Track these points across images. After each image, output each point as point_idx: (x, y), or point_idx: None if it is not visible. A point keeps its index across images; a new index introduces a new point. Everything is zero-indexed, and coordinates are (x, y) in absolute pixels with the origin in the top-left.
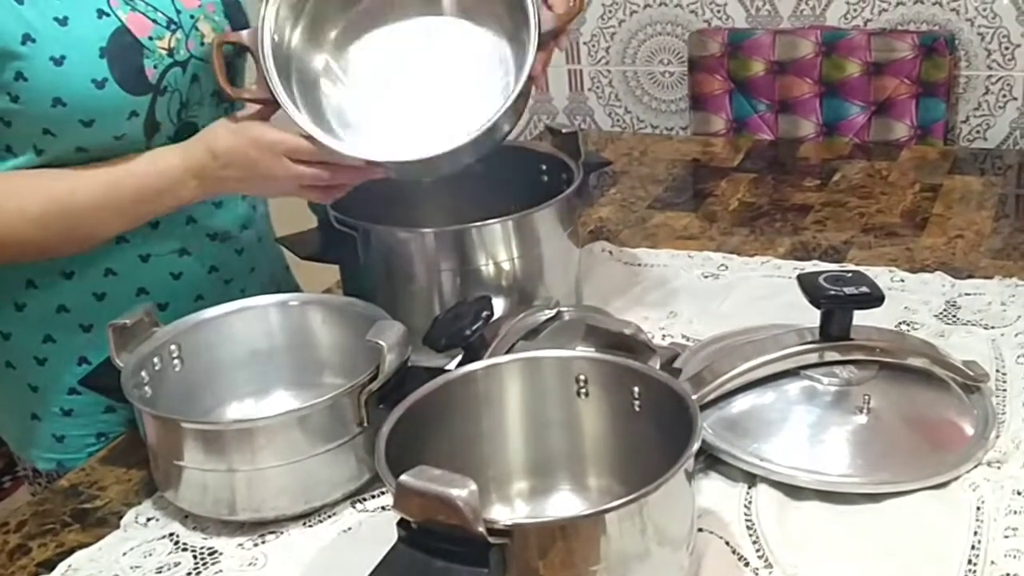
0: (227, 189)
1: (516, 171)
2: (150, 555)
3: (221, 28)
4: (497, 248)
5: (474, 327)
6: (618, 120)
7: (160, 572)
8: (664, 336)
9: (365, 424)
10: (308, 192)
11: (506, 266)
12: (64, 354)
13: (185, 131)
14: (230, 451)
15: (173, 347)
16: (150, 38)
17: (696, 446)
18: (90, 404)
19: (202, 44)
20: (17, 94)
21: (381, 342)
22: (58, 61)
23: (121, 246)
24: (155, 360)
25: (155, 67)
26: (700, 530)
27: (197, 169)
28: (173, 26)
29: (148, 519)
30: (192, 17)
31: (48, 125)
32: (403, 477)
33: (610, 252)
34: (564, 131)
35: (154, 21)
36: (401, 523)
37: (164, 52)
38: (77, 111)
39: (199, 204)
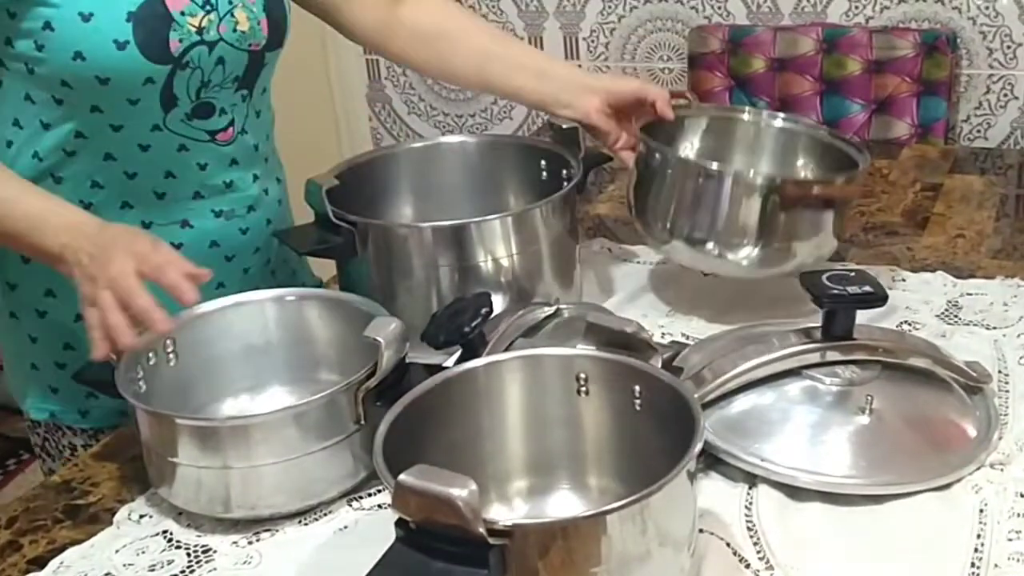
0: (82, 259)
1: (516, 167)
2: (143, 552)
3: (257, 20)
4: (496, 244)
5: (473, 324)
6: None
7: (153, 570)
8: (664, 334)
9: (362, 421)
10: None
11: (505, 262)
12: (63, 309)
13: (202, 110)
14: (225, 448)
15: (168, 342)
16: (182, 13)
17: (699, 446)
18: (82, 359)
19: (235, 30)
20: (43, 43)
21: (379, 338)
22: (86, 17)
23: (125, 211)
24: (149, 355)
25: (180, 40)
26: (701, 531)
27: (73, 225)
28: (208, 7)
29: (141, 516)
30: (230, 2)
31: (66, 77)
32: (402, 476)
33: (609, 249)
34: (565, 127)
35: None
36: (399, 523)
37: (193, 29)
38: (95, 67)
39: (209, 181)
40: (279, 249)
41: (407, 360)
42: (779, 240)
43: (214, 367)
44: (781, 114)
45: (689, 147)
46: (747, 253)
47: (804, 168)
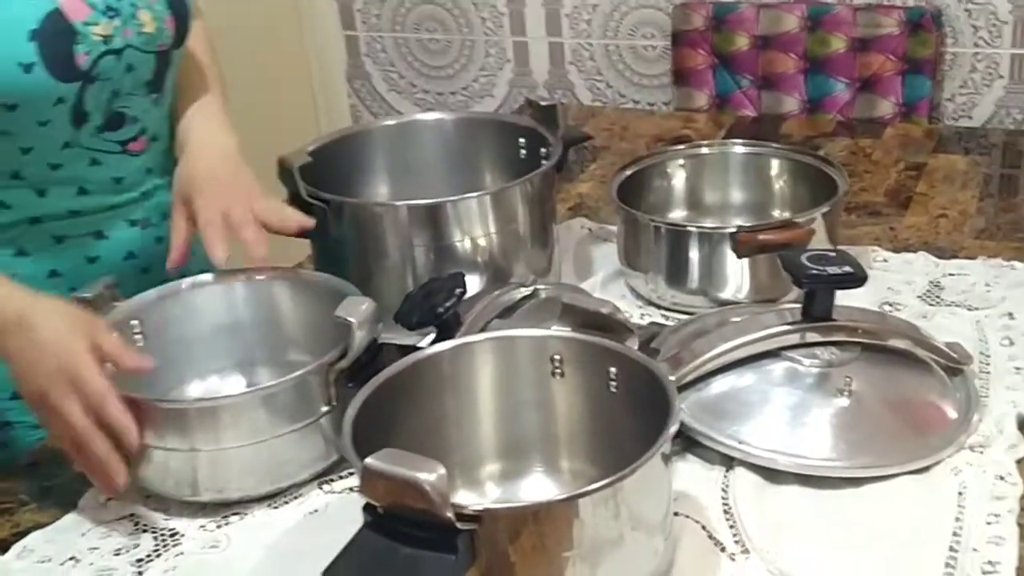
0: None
1: (494, 145)
2: (108, 536)
3: (161, 18)
4: (473, 223)
5: (447, 304)
6: (600, 95)
7: (119, 554)
8: (643, 315)
9: (333, 403)
10: (68, 421)
11: (482, 242)
12: None
13: (113, 121)
14: (193, 430)
15: (135, 322)
16: (85, 23)
17: (674, 429)
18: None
19: (140, 33)
20: None
21: (350, 319)
22: None
23: (35, 226)
24: (115, 336)
25: (87, 53)
26: (676, 514)
27: None
28: (111, 13)
29: (107, 499)
30: (132, 5)
31: None
32: (369, 460)
33: (589, 229)
34: (543, 104)
35: (92, 6)
36: (367, 507)
37: (99, 39)
38: (1, 94)
39: (121, 191)
40: (202, 260)
41: (379, 341)
42: (766, 277)
43: (182, 348)
44: (753, 142)
45: (665, 189)
46: (734, 294)
47: (782, 193)
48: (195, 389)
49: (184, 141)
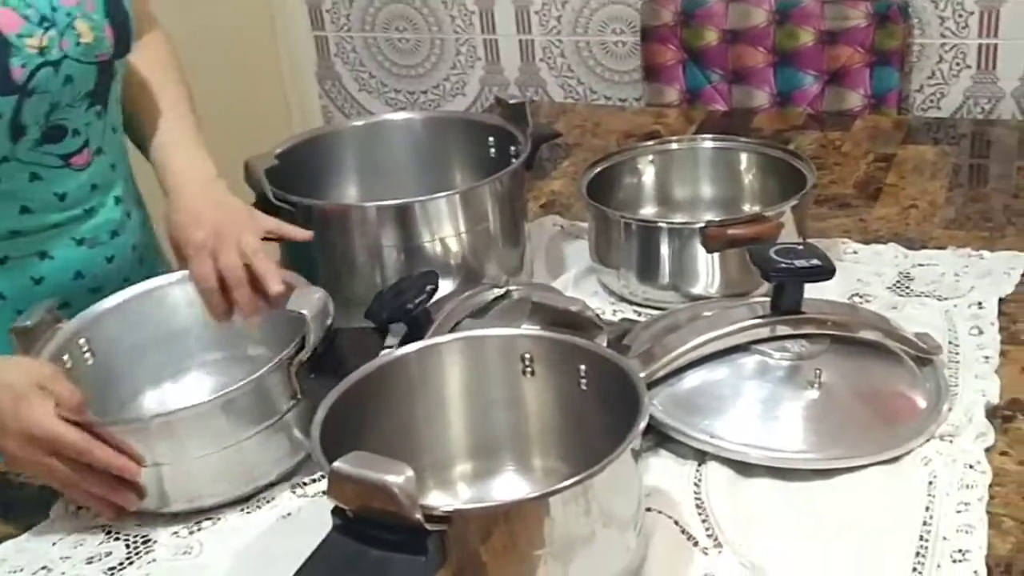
0: None
1: (463, 144)
2: (80, 545)
3: (100, 27)
4: (443, 223)
5: (417, 301)
6: (571, 91)
7: (91, 562)
8: (615, 311)
9: (298, 396)
10: (53, 474)
11: (452, 242)
12: None
13: (52, 134)
14: (153, 445)
15: (82, 341)
16: (19, 35)
17: (642, 425)
18: None
19: (78, 44)
20: None
21: (303, 311)
22: None
23: None
24: (65, 358)
25: (23, 66)
26: (648, 510)
27: None
28: (46, 23)
29: (78, 508)
30: (69, 15)
31: None
32: (337, 463)
33: (561, 226)
34: (512, 102)
35: (25, 18)
36: (336, 511)
37: (34, 51)
38: None
39: (68, 210)
40: (151, 268)
41: (335, 327)
42: (736, 272)
43: (134, 359)
44: (722, 137)
45: (635, 185)
46: (705, 289)
47: (751, 187)
48: (151, 399)
49: (162, 179)
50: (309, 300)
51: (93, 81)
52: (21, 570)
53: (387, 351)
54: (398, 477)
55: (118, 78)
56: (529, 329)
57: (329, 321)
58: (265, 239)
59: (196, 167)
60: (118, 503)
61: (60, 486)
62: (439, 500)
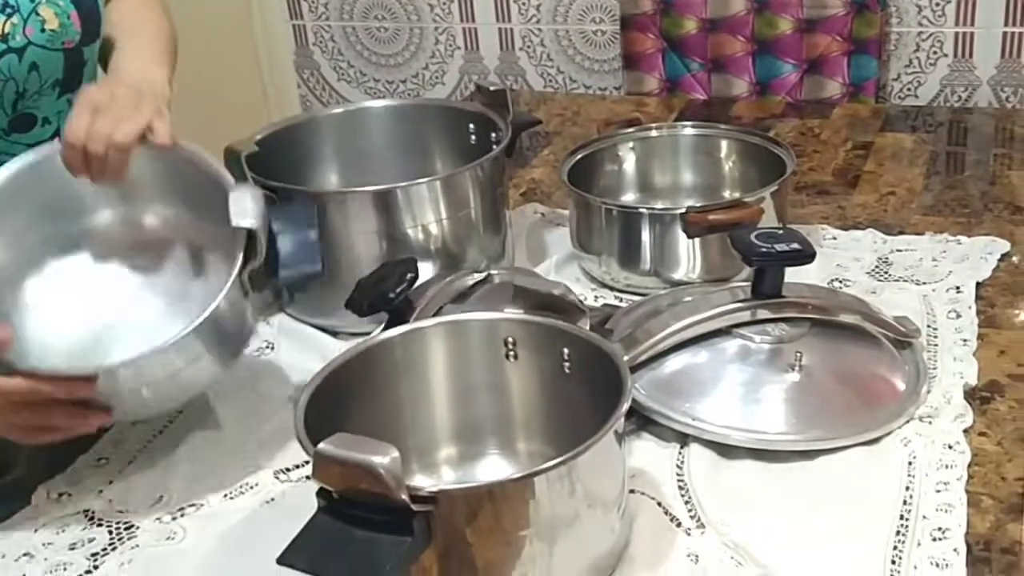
0: None
1: (444, 131)
2: (63, 531)
3: (66, 13)
4: (424, 209)
5: (398, 289)
6: (551, 80)
7: (73, 548)
8: (596, 298)
9: (248, 292)
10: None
11: (434, 228)
12: None
13: (21, 123)
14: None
15: None
16: None
17: (626, 406)
18: None
19: (43, 31)
20: None
21: (251, 224)
22: None
23: None
24: None
25: None
26: (632, 491)
27: None
28: (9, 9)
29: (60, 494)
30: (33, 1)
31: None
32: (321, 445)
33: (542, 214)
34: (493, 89)
35: None
36: (321, 492)
37: None
38: None
39: None
40: None
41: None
42: (717, 257)
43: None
44: (702, 124)
45: (616, 172)
46: (686, 275)
47: (731, 174)
48: (35, 286)
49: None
50: (249, 208)
51: (61, 68)
52: (3, 556)
53: (370, 336)
54: (383, 458)
55: (91, 64)
56: (512, 313)
57: (268, 222)
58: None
59: (140, 70)
60: (90, 428)
61: (23, 437)
62: (424, 483)
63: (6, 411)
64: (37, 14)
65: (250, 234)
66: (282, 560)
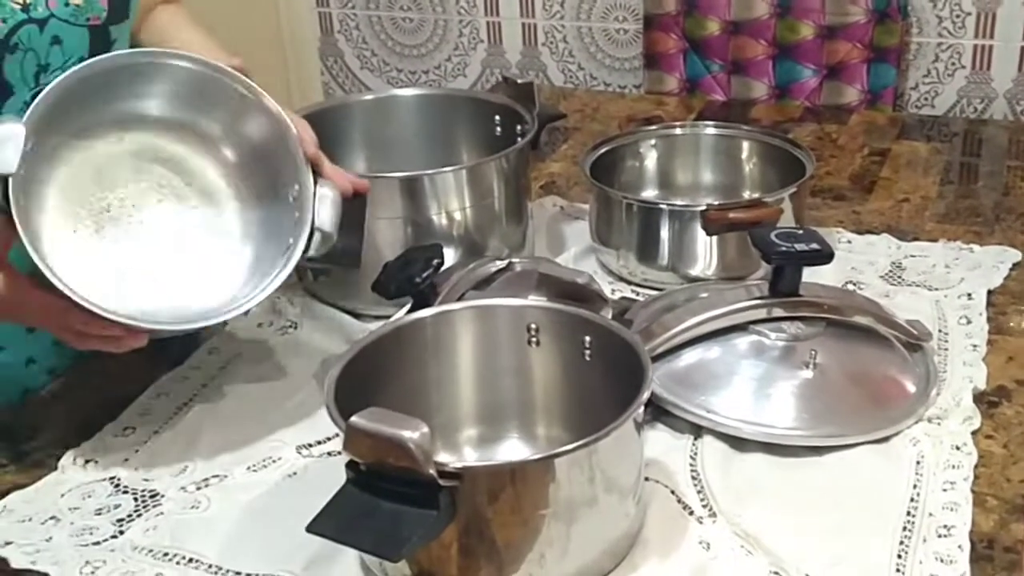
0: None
1: (470, 121)
2: (89, 497)
3: None
4: (449, 197)
5: (424, 274)
6: (571, 76)
7: (99, 513)
8: (613, 291)
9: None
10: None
11: (457, 216)
12: None
13: None
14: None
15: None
16: None
17: (647, 394)
18: None
19: (67, 4)
20: None
21: (330, 230)
22: None
23: None
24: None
25: (3, 21)
26: (646, 479)
27: None
28: None
29: (87, 461)
30: None
31: None
32: (353, 418)
33: (561, 207)
34: (520, 81)
35: None
36: (350, 465)
37: (17, 6)
38: None
39: None
40: None
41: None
42: (734, 255)
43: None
44: (724, 124)
45: (637, 168)
46: (703, 271)
47: (751, 174)
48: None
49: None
50: (328, 205)
51: (87, 46)
52: (30, 520)
53: (401, 316)
54: (414, 433)
55: (119, 46)
56: (536, 300)
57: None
58: None
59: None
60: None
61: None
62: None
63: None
64: None
65: (323, 234)
66: (311, 528)
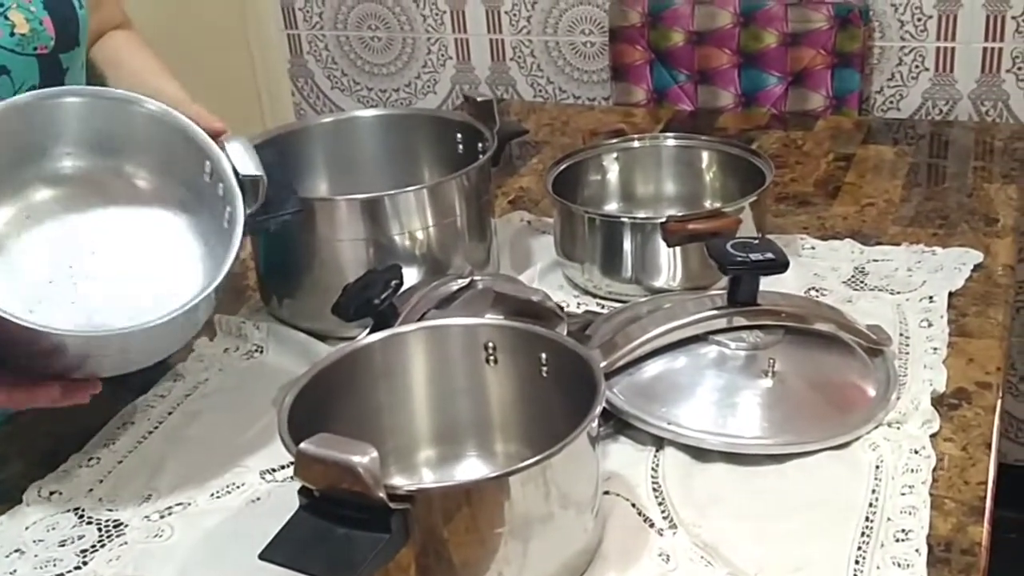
0: None
1: (431, 140)
2: (53, 529)
3: (38, 19)
4: (411, 217)
5: (383, 296)
6: (540, 90)
7: (64, 545)
8: (579, 304)
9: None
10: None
11: (420, 235)
12: None
13: None
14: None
15: None
16: None
17: (599, 409)
18: None
19: (12, 34)
20: None
21: (257, 172)
22: None
23: None
24: None
25: None
26: (606, 493)
27: None
28: None
29: (51, 492)
30: (2, 4)
31: None
32: (303, 444)
33: (528, 222)
34: (480, 100)
35: None
36: (303, 491)
37: None
38: None
39: None
40: None
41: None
42: (697, 266)
43: None
44: (684, 135)
45: (599, 182)
46: (666, 282)
47: (712, 184)
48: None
49: None
50: (250, 158)
51: (37, 75)
52: None
53: (353, 340)
54: (363, 457)
55: (74, 72)
56: (492, 318)
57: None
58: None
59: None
60: (80, 400)
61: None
62: (405, 483)
63: None
64: (6, 18)
65: (252, 182)
66: (264, 555)
